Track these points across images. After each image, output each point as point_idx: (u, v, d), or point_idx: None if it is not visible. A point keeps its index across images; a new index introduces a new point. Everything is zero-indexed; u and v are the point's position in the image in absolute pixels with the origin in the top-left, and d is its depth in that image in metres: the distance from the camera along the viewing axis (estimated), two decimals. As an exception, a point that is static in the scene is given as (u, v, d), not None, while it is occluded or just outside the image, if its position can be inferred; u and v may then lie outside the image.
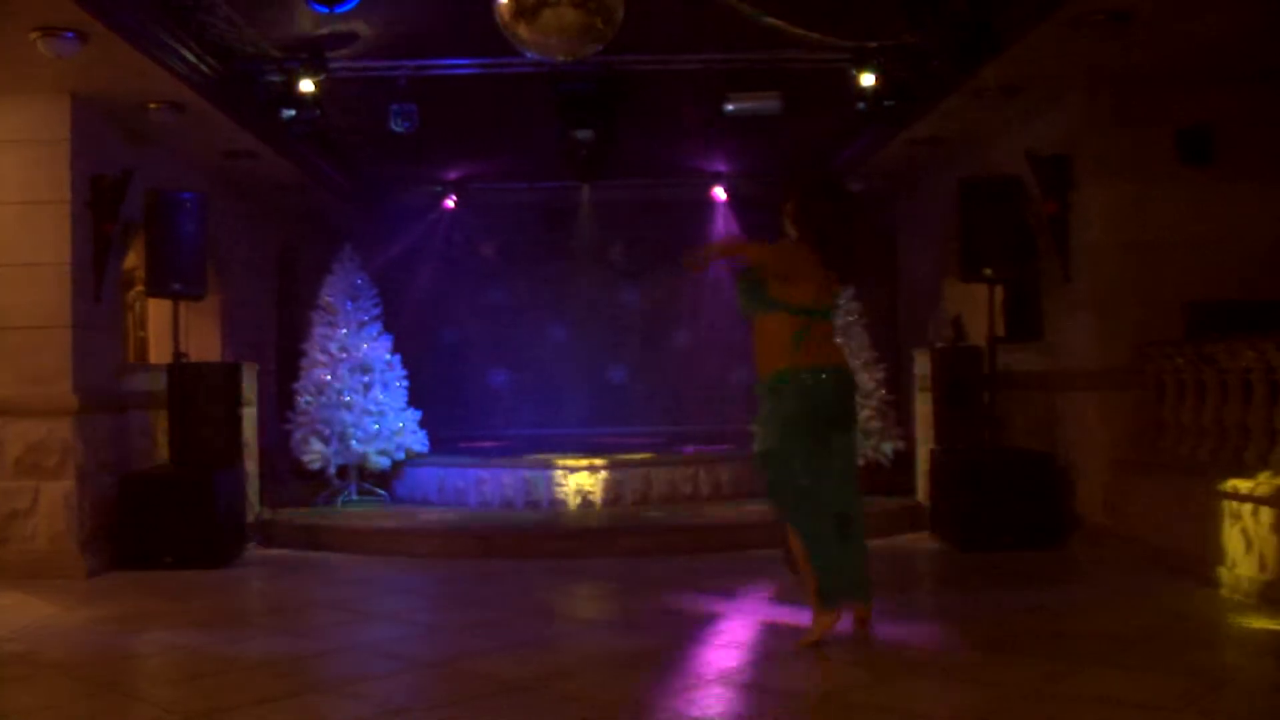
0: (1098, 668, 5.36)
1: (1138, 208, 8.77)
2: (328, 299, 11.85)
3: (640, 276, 16.15)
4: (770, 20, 8.17)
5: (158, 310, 10.88)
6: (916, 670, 5.52)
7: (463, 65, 9.15)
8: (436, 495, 11.52)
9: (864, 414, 10.86)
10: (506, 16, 7.06)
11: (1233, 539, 6.98)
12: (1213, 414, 7.73)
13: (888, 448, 10.96)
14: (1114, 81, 8.67)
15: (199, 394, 9.33)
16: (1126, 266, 8.76)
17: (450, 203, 14.47)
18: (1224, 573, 6.99)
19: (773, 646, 6.11)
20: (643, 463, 11.33)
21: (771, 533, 9.51)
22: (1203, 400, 7.87)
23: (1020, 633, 6.18)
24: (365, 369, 11.69)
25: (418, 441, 11.84)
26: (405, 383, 11.99)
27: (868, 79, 8.93)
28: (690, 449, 12.36)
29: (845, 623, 5.95)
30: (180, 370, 9.38)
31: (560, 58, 7.72)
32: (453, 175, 14.08)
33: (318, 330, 11.75)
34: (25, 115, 8.46)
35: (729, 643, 6.20)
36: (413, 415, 11.88)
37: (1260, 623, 6.24)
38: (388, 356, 11.89)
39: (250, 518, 9.94)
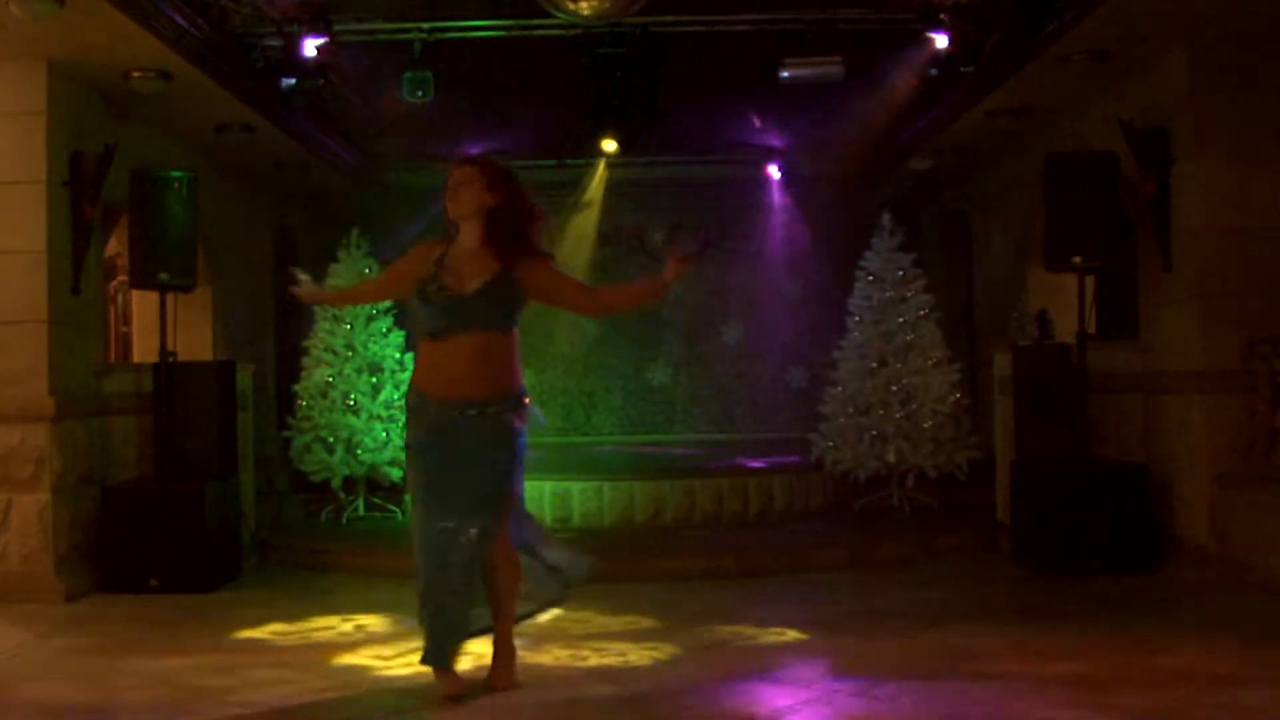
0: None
1: (1249, 187, 8.66)
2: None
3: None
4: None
5: (143, 303, 10.89)
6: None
7: (483, 27, 9.15)
8: (454, 511, 11.48)
9: (936, 421, 10.84)
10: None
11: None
12: (1336, 421, 7.67)
13: (962, 459, 10.93)
14: (1221, 44, 8.54)
15: (189, 397, 9.37)
16: (1236, 254, 8.65)
17: (469, 182, 14.44)
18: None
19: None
20: (685, 475, 11.31)
21: (834, 553, 9.57)
22: (1324, 406, 7.81)
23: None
24: (374, 369, 11.71)
25: (433, 450, 11.80)
26: (419, 385, 11.93)
27: (941, 41, 8.90)
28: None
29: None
30: (168, 370, 9.39)
31: (593, 18, 7.74)
32: (472, 151, 14.08)
33: (321, 325, 11.77)
34: (-5, 85, 8.49)
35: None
36: (427, 421, 11.82)
37: None
38: (399, 355, 11.88)
39: (246, 536, 9.94)
